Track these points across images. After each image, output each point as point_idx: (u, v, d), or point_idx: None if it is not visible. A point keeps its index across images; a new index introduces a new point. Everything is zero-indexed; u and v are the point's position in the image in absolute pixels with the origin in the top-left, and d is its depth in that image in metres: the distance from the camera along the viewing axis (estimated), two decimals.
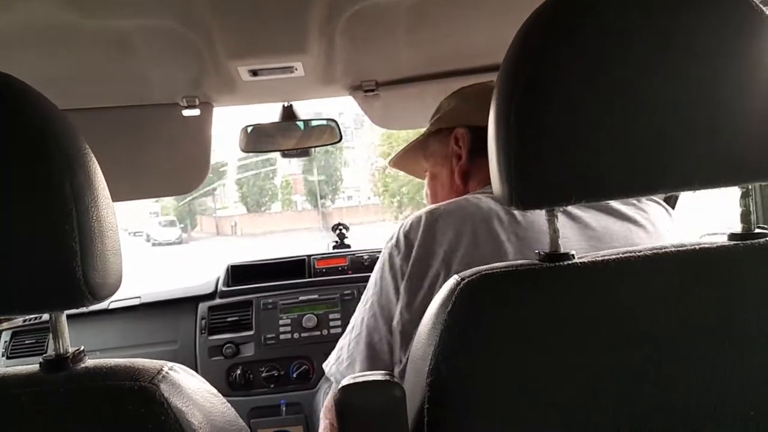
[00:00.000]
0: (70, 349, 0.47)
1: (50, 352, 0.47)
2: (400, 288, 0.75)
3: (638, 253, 0.52)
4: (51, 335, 0.47)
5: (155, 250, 18.17)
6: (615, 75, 0.47)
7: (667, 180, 0.49)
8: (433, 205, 0.79)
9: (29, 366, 0.48)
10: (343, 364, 0.80)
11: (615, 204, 0.77)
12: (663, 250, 0.53)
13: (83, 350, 0.48)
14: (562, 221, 0.72)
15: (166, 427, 0.43)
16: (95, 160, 0.45)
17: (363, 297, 0.82)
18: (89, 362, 0.47)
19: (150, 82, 1.16)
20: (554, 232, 0.53)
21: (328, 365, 0.83)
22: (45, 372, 0.46)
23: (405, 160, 1.06)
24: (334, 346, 1.22)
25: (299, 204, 25.75)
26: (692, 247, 0.53)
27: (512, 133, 0.48)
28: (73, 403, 0.44)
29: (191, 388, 0.47)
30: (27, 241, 0.41)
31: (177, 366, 0.49)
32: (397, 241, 0.78)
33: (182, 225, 21.89)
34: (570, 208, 0.76)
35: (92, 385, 0.45)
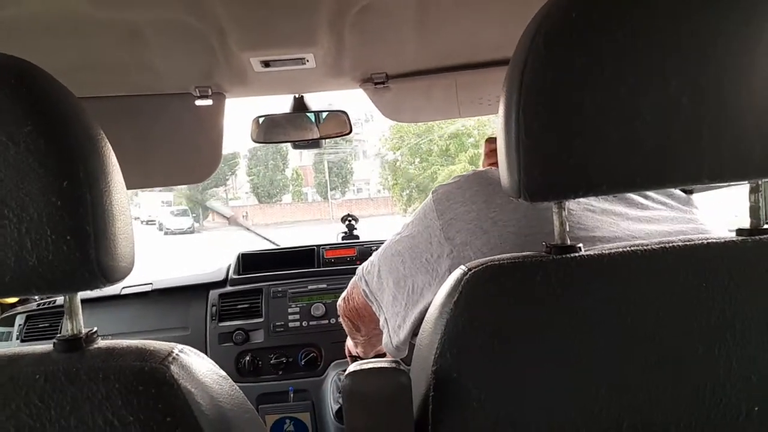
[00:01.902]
0: (84, 330, 0.48)
1: (64, 332, 0.48)
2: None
3: (645, 247, 0.52)
4: (66, 317, 0.48)
5: (167, 238, 18.34)
6: (621, 70, 0.47)
7: (675, 174, 0.49)
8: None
9: (43, 346, 0.48)
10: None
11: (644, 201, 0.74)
12: (670, 245, 0.53)
13: (96, 331, 0.49)
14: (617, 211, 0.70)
15: (176, 408, 0.43)
16: (110, 146, 0.46)
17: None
18: (102, 343, 0.48)
19: (162, 72, 1.16)
20: (561, 225, 0.53)
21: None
22: (59, 352, 0.47)
23: None
24: (341, 335, 1.23)
25: (309, 196, 25.82)
26: (700, 241, 0.53)
27: (520, 126, 0.49)
28: (85, 383, 0.45)
29: (201, 371, 0.48)
30: (42, 224, 0.42)
31: (187, 349, 0.49)
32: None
33: (194, 215, 22.03)
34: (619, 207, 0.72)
35: (104, 365, 0.45)
